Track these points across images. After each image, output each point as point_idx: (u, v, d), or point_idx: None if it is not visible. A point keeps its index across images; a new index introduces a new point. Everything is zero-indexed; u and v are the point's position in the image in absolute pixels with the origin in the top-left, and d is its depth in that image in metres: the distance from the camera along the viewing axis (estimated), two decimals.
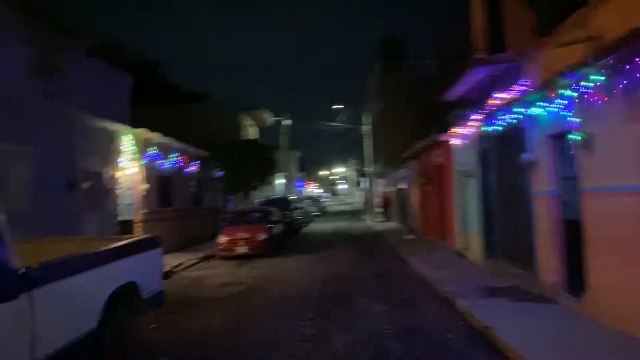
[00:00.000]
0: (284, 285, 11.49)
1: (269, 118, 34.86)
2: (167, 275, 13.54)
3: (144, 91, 35.26)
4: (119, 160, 14.54)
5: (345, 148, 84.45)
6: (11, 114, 9.74)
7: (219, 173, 22.38)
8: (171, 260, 15.51)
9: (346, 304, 9.31)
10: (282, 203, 25.67)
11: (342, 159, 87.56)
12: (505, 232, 10.97)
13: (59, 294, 4.12)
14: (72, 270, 4.36)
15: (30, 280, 3.80)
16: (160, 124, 19.36)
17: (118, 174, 14.65)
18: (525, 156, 8.88)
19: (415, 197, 22.58)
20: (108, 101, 13.19)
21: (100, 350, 4.86)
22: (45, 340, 3.87)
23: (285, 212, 23.70)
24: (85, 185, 12.37)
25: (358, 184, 71.98)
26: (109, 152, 14.00)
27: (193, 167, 21.26)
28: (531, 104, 7.75)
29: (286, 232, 21.20)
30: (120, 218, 14.86)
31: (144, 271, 5.99)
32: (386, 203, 34.44)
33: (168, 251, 17.47)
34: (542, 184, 8.56)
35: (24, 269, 3.80)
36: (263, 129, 37.21)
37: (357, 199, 76.53)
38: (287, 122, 39.83)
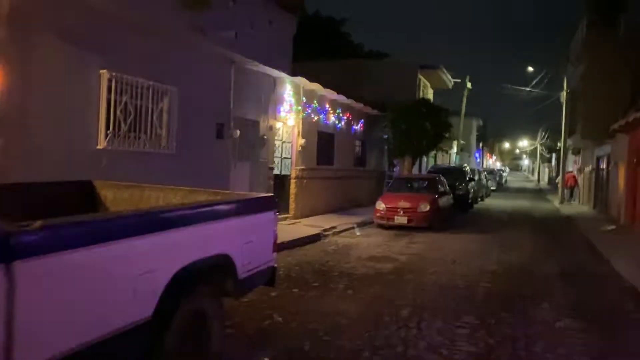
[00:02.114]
0: (443, 271, 9.46)
1: (448, 79, 31.85)
2: (315, 238, 12.34)
3: (325, 47, 35.03)
4: (278, 110, 13.52)
5: (533, 119, 76.81)
6: (155, 49, 8.95)
7: (386, 134, 20.58)
8: (324, 222, 14.32)
9: (521, 311, 7.01)
10: (456, 173, 23.14)
11: (529, 131, 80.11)
12: None
13: (71, 269, 2.71)
14: (105, 235, 2.93)
15: (14, 248, 2.41)
16: (333, 80, 18.10)
17: (276, 125, 13.67)
18: None
19: (620, 179, 18.47)
20: (267, 43, 12.05)
21: (161, 346, 3.46)
22: (35, 338, 2.49)
23: (458, 183, 21.26)
24: (237, 133, 11.48)
25: (547, 159, 65.14)
26: (267, 100, 13.01)
27: (359, 126, 19.78)
28: None
29: (457, 205, 18.82)
30: (276, 171, 13.96)
31: (247, 241, 4.48)
32: (572, 183, 29.89)
33: (323, 212, 16.39)
34: None
35: (5, 230, 2.41)
36: (440, 92, 34.37)
37: (542, 176, 69.79)
38: (467, 85, 36.41)
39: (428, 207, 14.85)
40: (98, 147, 7.92)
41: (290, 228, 13.13)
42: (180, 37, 9.39)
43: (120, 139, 8.26)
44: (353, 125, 19.12)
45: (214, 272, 4.06)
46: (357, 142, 20.40)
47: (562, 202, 29.27)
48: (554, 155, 58.87)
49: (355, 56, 33.52)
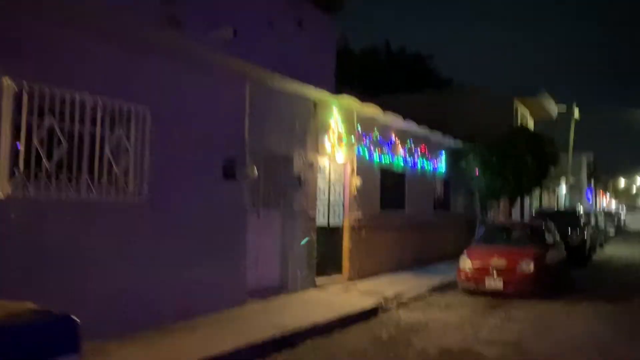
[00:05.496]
0: None
1: (552, 107, 27.34)
2: (368, 314, 8.88)
3: (412, 83, 32.10)
4: (321, 142, 10.47)
5: None
6: (109, 49, 6.28)
7: (475, 171, 16.76)
8: (387, 287, 10.83)
9: None
10: (568, 217, 18.68)
11: None
12: None
13: None
14: None
15: None
16: (417, 115, 14.98)
17: (320, 161, 10.60)
18: None
19: None
20: (298, 53, 9.20)
21: None
22: None
23: (572, 230, 16.90)
24: (255, 171, 8.52)
25: None
26: (304, 128, 10.01)
27: (440, 162, 16.23)
28: None
29: (570, 258, 14.43)
30: (321, 221, 10.77)
31: None
32: None
33: (390, 270, 12.83)
34: None
35: None
36: (543, 124, 29.70)
37: None
38: (575, 113, 31.45)
39: (532, 267, 10.90)
40: None
41: (338, 298, 9.78)
42: (149, 36, 6.66)
43: (41, 183, 5.53)
44: (432, 160, 15.61)
45: None
46: (439, 182, 16.78)
47: None
48: None
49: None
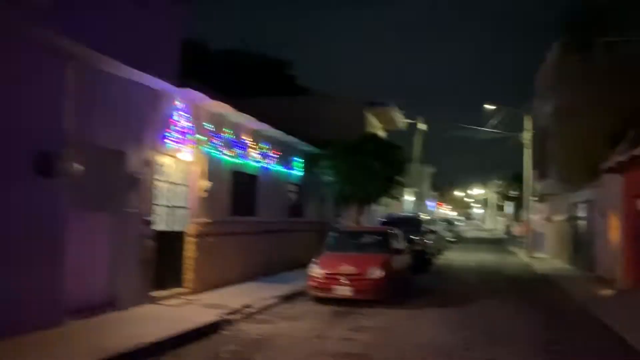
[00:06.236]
0: None
1: (400, 119, 28.63)
2: (209, 329, 8.03)
3: (270, 88, 31.63)
4: (161, 137, 9.41)
5: (486, 165, 75.40)
6: None
7: (328, 177, 16.64)
8: (234, 299, 10.06)
9: None
10: (411, 224, 19.42)
11: (482, 178, 78.80)
12: None
13: None
14: None
15: None
16: (274, 119, 14.25)
17: (158, 159, 9.52)
18: None
19: (613, 231, 15.09)
20: (136, 37, 8.12)
21: None
22: None
23: (415, 236, 17.49)
24: (78, 167, 7.27)
25: (501, 207, 63.21)
26: (142, 122, 8.91)
27: (295, 167, 15.87)
28: None
29: (415, 265, 14.86)
30: (160, 227, 9.69)
31: None
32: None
33: (240, 280, 12.07)
34: None
35: None
36: (393, 135, 31.13)
37: (496, 226, 67.90)
38: (422, 126, 33.39)
39: (380, 273, 10.84)
40: None
41: (177, 313, 8.78)
42: None
43: None
44: (286, 165, 15.18)
45: None
46: (292, 187, 16.41)
47: (527, 254, 26.09)
48: (506, 203, 56.65)
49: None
